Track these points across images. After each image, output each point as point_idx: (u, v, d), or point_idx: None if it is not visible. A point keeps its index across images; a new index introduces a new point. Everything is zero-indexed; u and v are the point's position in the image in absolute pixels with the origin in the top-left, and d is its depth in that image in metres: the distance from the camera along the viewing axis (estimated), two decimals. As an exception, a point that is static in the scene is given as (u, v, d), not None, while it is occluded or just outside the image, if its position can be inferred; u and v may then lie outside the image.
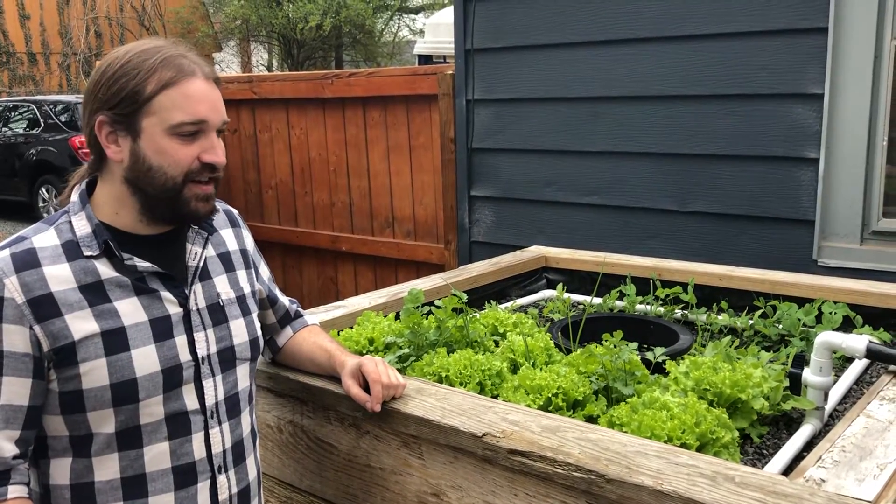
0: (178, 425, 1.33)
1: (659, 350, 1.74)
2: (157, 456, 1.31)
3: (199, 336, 1.37)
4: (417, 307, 1.85)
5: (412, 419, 1.49)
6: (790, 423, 1.76)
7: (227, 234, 1.51)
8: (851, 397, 1.79)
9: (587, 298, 2.66)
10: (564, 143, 3.57)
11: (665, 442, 1.40)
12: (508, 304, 2.55)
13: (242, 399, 1.45)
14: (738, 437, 1.63)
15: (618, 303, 2.55)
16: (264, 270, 1.66)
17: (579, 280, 2.79)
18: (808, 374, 1.73)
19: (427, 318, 1.95)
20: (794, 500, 1.14)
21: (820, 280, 2.34)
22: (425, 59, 9.32)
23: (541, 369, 1.71)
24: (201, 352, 1.37)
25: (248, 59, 21.56)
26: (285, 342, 1.70)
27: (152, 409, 1.30)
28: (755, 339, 2.25)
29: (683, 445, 1.40)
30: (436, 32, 9.76)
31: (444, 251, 4.18)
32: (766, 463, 1.52)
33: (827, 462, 1.26)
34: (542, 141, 3.64)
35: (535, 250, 2.94)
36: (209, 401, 1.37)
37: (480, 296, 2.61)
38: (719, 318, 2.35)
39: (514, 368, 1.82)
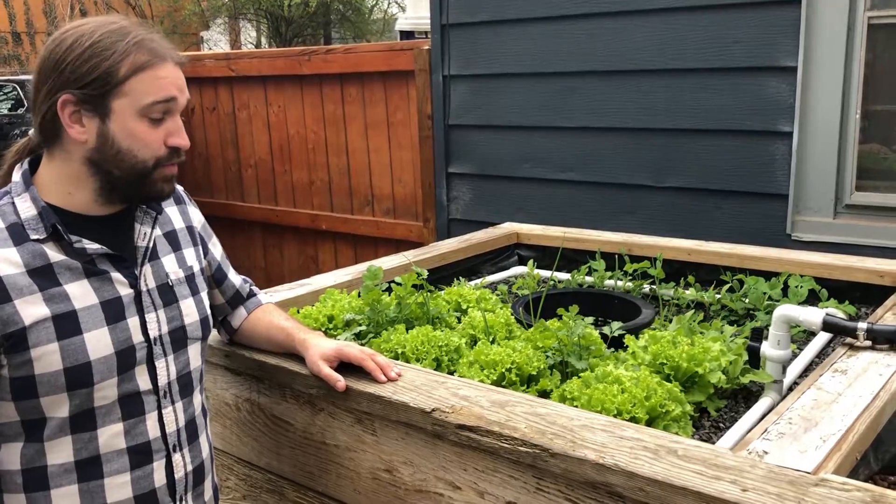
0: (131, 406, 1.32)
1: (616, 324, 1.73)
2: (111, 437, 1.30)
3: (150, 317, 1.35)
4: (377, 284, 1.83)
5: (364, 396, 1.48)
6: (749, 396, 1.76)
7: (172, 212, 1.49)
8: (812, 370, 1.79)
9: (556, 274, 2.65)
10: (540, 118, 3.55)
11: (615, 416, 1.40)
12: (478, 281, 2.54)
13: (194, 378, 1.45)
14: (694, 410, 1.63)
15: (587, 278, 2.55)
16: (215, 247, 1.62)
17: (551, 256, 2.78)
18: (767, 348, 1.72)
19: (390, 296, 1.94)
20: (735, 473, 1.14)
21: (787, 254, 2.34)
22: (407, 34, 9.24)
23: (499, 345, 1.70)
24: (153, 332, 1.35)
25: (237, 37, 21.36)
26: (240, 323, 1.68)
27: (106, 392, 1.29)
28: (721, 314, 2.25)
29: (633, 419, 1.40)
30: (416, 8, 9.65)
31: (423, 229, 4.16)
32: (722, 436, 1.52)
33: (772, 434, 1.26)
34: (519, 117, 3.61)
35: (508, 227, 2.93)
36: (161, 381, 1.36)
37: (451, 273, 2.60)
38: (687, 292, 2.34)
39: (475, 344, 1.82)
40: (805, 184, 2.94)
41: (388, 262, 2.42)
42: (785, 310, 1.69)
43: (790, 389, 1.70)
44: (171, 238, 1.46)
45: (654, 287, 2.43)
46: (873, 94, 2.83)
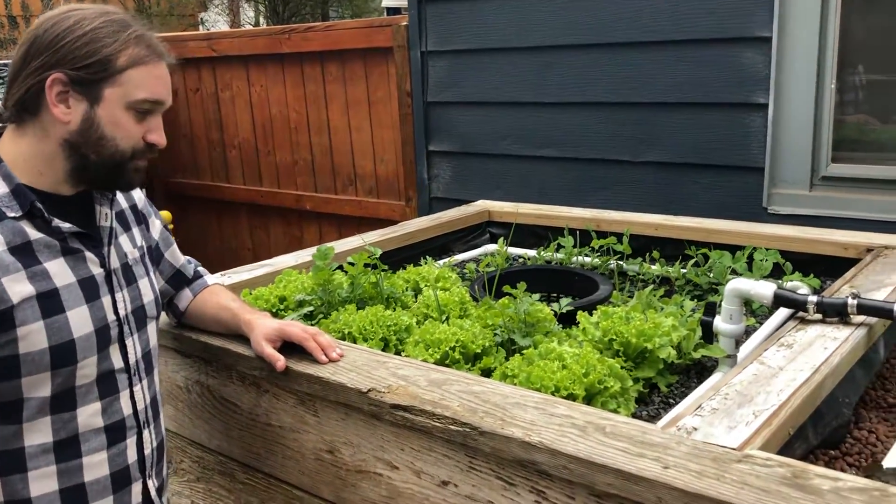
0: (108, 384, 1.35)
1: (565, 301, 1.72)
2: (89, 416, 1.32)
3: (118, 296, 1.38)
4: (328, 265, 1.82)
5: (304, 377, 1.47)
6: (703, 371, 1.75)
7: (118, 193, 1.48)
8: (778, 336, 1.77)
9: (527, 252, 2.63)
10: (518, 94, 3.51)
11: (553, 393, 1.39)
12: (446, 260, 2.53)
13: (154, 356, 1.49)
14: (643, 386, 1.62)
15: (556, 255, 2.53)
16: (153, 225, 1.60)
17: (522, 234, 2.76)
18: (719, 322, 1.71)
19: (346, 276, 1.93)
20: (659, 450, 1.12)
21: (753, 227, 2.31)
22: (394, 10, 9.13)
23: (448, 324, 1.68)
24: (122, 311, 1.38)
25: (235, 17, 21.23)
26: (187, 305, 1.69)
27: (87, 371, 1.31)
28: (686, 289, 2.23)
29: (570, 396, 1.39)
30: (403, -17, 9.52)
31: (405, 208, 4.14)
32: (669, 412, 1.50)
33: (705, 410, 1.25)
34: (497, 93, 3.57)
35: (480, 205, 2.90)
36: (132, 359, 1.40)
37: (421, 252, 2.58)
38: (653, 267, 2.32)
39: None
40: (781, 156, 2.90)
41: (346, 242, 2.40)
42: (736, 284, 1.67)
43: (744, 364, 1.69)
44: (122, 218, 1.48)
45: (622, 262, 2.41)
46: (849, 64, 2.78)
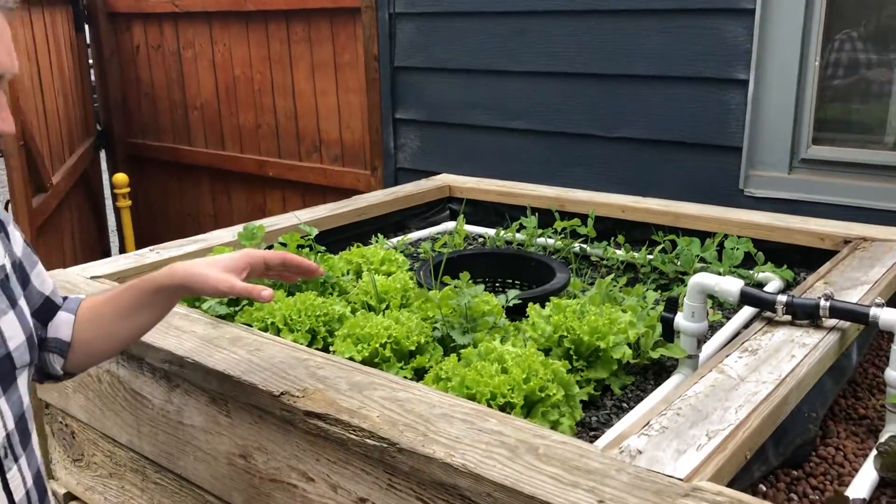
0: None
1: (512, 293, 1.56)
2: None
3: None
4: (258, 245, 1.65)
5: (214, 374, 1.32)
6: (662, 371, 1.61)
7: None
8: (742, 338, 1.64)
9: (488, 231, 2.48)
10: (490, 62, 3.32)
11: (488, 401, 1.24)
12: (400, 238, 2.37)
13: (30, 418, 1.09)
14: (595, 388, 1.48)
15: (518, 235, 2.38)
16: (15, 236, 1.17)
17: (484, 211, 2.61)
18: (681, 320, 1.57)
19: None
20: (596, 478, 0.98)
21: (725, 213, 2.17)
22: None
23: (383, 315, 1.53)
24: None
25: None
26: (71, 332, 1.20)
27: None
28: (651, 277, 2.09)
29: (508, 405, 1.24)
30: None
31: (370, 178, 3.97)
32: (622, 418, 1.37)
33: (654, 428, 1.10)
34: (468, 59, 3.39)
35: (441, 179, 2.74)
36: None
37: (374, 228, 2.42)
38: (618, 252, 2.18)
39: (370, 310, 1.65)
40: (760, 136, 2.75)
41: (286, 218, 2.23)
42: (700, 278, 1.52)
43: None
44: None
45: (585, 246, 2.26)
46: (835, 39, 2.63)
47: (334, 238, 2.26)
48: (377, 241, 2.24)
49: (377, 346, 1.38)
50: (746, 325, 1.76)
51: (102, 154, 5.27)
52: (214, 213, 4.91)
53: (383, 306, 1.64)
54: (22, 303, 1.11)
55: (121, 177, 4.60)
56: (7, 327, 1.04)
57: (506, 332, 1.54)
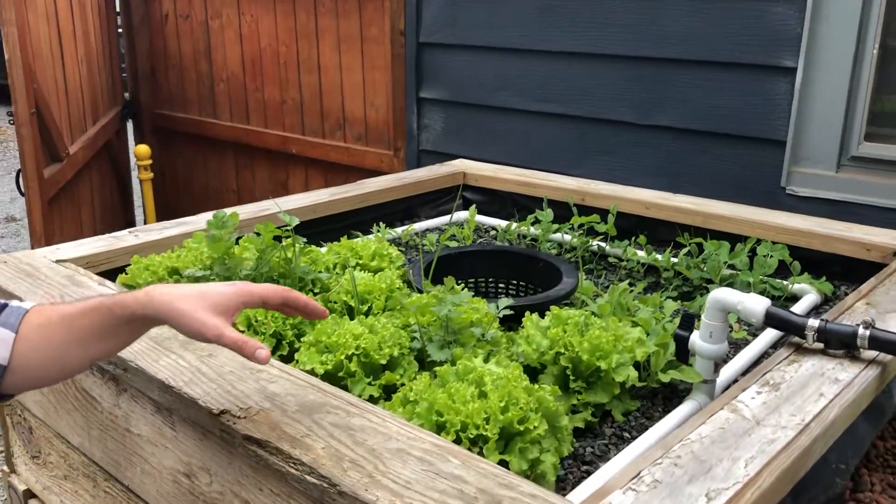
0: None
1: (504, 301, 1.39)
2: None
3: None
4: (230, 235, 1.50)
5: (156, 383, 1.17)
6: (672, 396, 1.42)
7: None
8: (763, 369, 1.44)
9: (501, 223, 2.30)
10: (519, 40, 3.12)
11: (458, 432, 1.07)
12: (404, 228, 2.20)
13: None
14: (591, 412, 1.30)
15: (532, 230, 2.19)
16: None
17: (500, 201, 2.42)
18: (697, 340, 1.38)
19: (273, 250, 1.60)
20: (564, 546, 0.81)
21: (760, 215, 1.96)
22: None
23: (358, 320, 1.37)
24: None
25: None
26: (10, 354, 0.98)
27: None
28: (674, 283, 1.89)
29: (481, 438, 1.07)
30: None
31: (393, 159, 3.80)
32: (621, 450, 1.19)
33: (644, 481, 0.93)
34: (496, 36, 3.19)
35: (456, 164, 2.56)
36: None
37: (378, 216, 2.26)
38: (639, 253, 1.99)
39: (351, 315, 1.49)
40: (806, 129, 2.52)
41: (289, 202, 2.08)
42: (720, 294, 1.33)
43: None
44: None
45: (604, 245, 2.07)
46: (896, 25, 2.38)
47: (333, 225, 2.11)
48: (378, 231, 2.07)
49: (342, 357, 1.22)
50: (776, 345, 1.56)
51: (130, 125, 5.19)
52: (238, 188, 4.79)
53: (364, 308, 1.48)
54: None
55: (143, 148, 4.51)
56: None
57: (495, 346, 1.37)
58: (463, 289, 1.48)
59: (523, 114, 3.19)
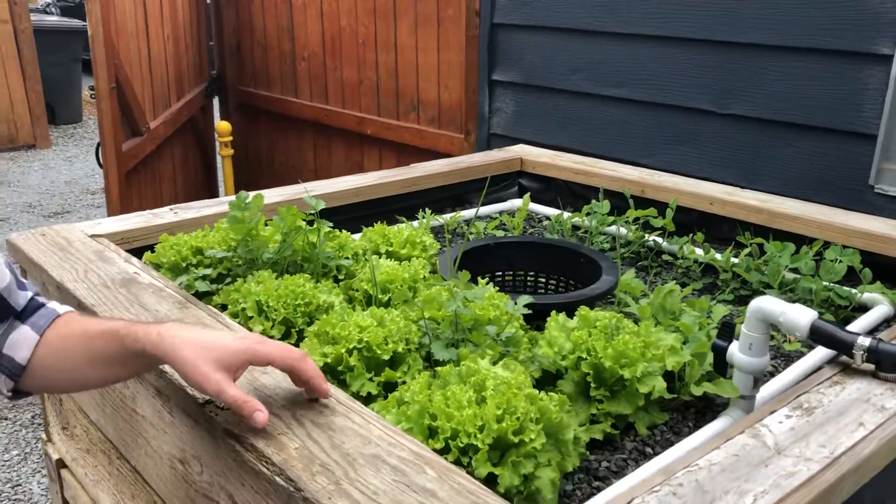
0: None
1: (524, 298, 1.30)
2: None
3: None
4: (253, 217, 1.46)
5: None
6: (707, 411, 1.31)
7: None
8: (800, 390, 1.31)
9: (554, 212, 2.20)
10: (595, 21, 2.99)
11: (448, 440, 1.00)
12: (451, 215, 2.13)
13: None
14: (610, 424, 1.21)
15: (585, 221, 2.09)
16: None
17: (557, 190, 2.32)
18: (735, 352, 1.26)
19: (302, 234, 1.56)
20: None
21: (831, 216, 1.80)
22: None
23: (368, 312, 1.31)
24: None
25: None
26: (30, 355, 1.04)
27: None
28: (731, 285, 1.76)
29: (472, 448, 1.00)
30: None
31: (463, 143, 3.72)
32: (640, 466, 1.10)
33: (635, 512, 0.84)
34: (570, 18, 3.06)
35: (515, 150, 2.47)
36: None
37: (426, 202, 2.19)
38: (697, 252, 1.86)
39: (369, 304, 1.44)
40: (901, 123, 2.30)
41: (334, 185, 2.04)
42: (762, 303, 1.21)
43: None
44: None
45: (661, 241, 1.95)
46: None
47: (378, 210, 2.06)
48: (423, 217, 2.01)
49: (343, 351, 1.17)
50: (832, 361, 1.42)
51: (216, 102, 5.29)
52: (315, 167, 4.82)
53: (385, 298, 1.42)
54: None
55: (223, 125, 4.58)
56: None
57: (514, 346, 1.28)
58: (488, 282, 1.40)
59: (596, 98, 3.06)
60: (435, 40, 3.84)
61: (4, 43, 7.44)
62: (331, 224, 1.51)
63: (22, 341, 1.04)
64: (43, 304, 1.09)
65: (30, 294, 1.10)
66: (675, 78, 2.78)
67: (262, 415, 0.94)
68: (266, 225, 1.55)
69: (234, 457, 1.00)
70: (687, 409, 1.31)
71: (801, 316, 1.16)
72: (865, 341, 1.10)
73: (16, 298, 1.07)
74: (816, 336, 1.15)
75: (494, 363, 1.16)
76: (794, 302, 1.60)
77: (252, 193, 1.47)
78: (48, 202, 6.42)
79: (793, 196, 2.15)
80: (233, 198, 1.46)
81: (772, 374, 1.40)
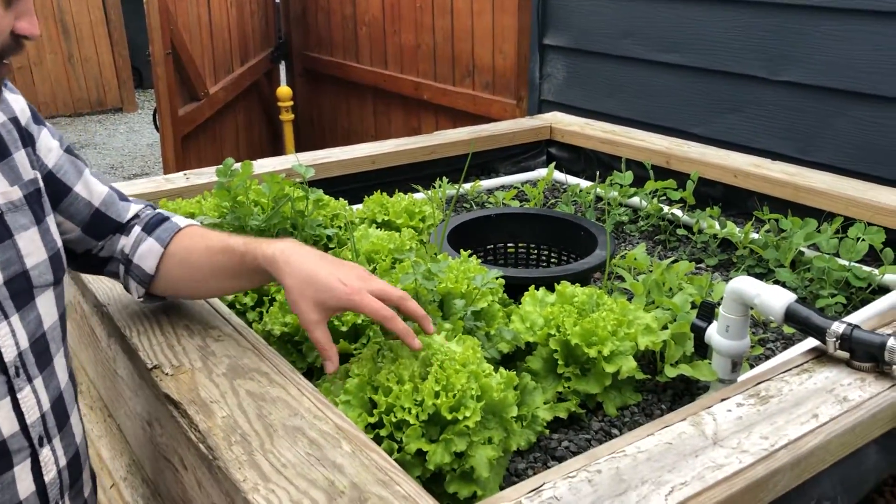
0: None
1: (494, 272, 1.26)
2: None
3: None
4: (239, 184, 1.47)
5: (117, 332, 1.18)
6: (685, 394, 1.26)
7: None
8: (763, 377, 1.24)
9: (583, 183, 2.14)
10: (646, -18, 2.87)
11: (384, 414, 0.99)
12: (470, 185, 2.10)
13: (53, 340, 1.02)
14: (576, 403, 1.18)
15: (612, 193, 2.02)
16: (49, 145, 1.08)
17: (586, 159, 2.25)
18: (713, 333, 1.21)
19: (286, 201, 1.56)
20: (404, 562, 0.72)
21: (861, 192, 1.68)
22: None
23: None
24: None
25: None
26: (157, 263, 1.15)
27: None
28: (747, 262, 1.68)
29: (403, 423, 0.98)
30: None
31: (516, 109, 3.66)
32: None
33: (541, 497, 0.81)
34: (622, -20, 2.95)
35: (546, 118, 2.41)
36: (8, 354, 0.93)
37: (447, 170, 2.16)
38: (716, 226, 1.78)
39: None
40: (964, 91, 2.13)
41: (353, 151, 2.04)
42: (738, 284, 1.15)
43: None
44: None
45: (679, 214, 1.87)
46: None
47: (397, 178, 2.05)
48: (439, 186, 1.99)
49: (299, 323, 1.17)
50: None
51: (283, 67, 5.36)
52: (375, 133, 4.84)
53: (371, 269, 1.41)
54: (50, 219, 1.04)
55: (284, 90, 4.64)
56: (26, 244, 0.98)
57: (483, 321, 1.26)
58: (471, 255, 1.37)
59: (646, 64, 2.94)
60: (490, 2, 3.77)
61: (92, 9, 7.72)
62: (319, 191, 1.51)
63: (148, 254, 1.15)
64: (167, 218, 1.19)
65: (135, 207, 1.20)
66: (727, 43, 2.65)
67: (330, 365, 1.04)
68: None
69: (173, 422, 1.02)
70: (664, 391, 1.26)
71: (777, 298, 1.09)
72: (839, 328, 1.03)
73: (116, 210, 1.17)
74: (792, 320, 1.08)
75: (450, 339, 1.14)
76: (807, 282, 1.53)
77: (239, 163, 1.48)
78: (130, 164, 6.67)
79: (850, 169, 2.02)
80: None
81: (767, 358, 1.34)
